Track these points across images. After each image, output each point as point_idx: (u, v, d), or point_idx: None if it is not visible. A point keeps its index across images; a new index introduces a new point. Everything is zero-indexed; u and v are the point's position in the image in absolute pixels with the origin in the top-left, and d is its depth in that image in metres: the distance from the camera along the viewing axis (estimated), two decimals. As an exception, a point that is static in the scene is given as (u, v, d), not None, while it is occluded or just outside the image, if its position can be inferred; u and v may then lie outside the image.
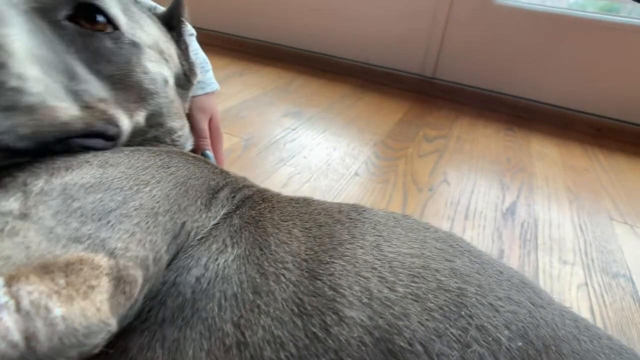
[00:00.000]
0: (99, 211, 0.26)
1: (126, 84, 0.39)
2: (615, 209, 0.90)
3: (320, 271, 0.29)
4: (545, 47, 1.33)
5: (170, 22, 0.53)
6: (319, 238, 0.32)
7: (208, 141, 0.62)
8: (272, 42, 1.79)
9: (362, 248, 0.31)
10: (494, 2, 1.36)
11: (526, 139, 1.24)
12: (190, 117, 0.61)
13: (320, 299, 0.26)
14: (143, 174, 0.32)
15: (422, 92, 1.55)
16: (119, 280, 0.24)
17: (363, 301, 0.26)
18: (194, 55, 0.63)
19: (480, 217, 0.81)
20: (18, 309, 0.19)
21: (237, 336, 0.25)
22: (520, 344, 0.25)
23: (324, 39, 1.68)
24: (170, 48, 0.49)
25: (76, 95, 0.33)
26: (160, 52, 0.46)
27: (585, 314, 0.60)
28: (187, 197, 0.33)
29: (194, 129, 0.60)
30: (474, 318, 0.26)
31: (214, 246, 0.31)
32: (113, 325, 0.23)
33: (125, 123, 0.39)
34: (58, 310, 0.20)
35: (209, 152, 0.61)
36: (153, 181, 0.32)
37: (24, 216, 0.24)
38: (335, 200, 0.69)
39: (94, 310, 0.22)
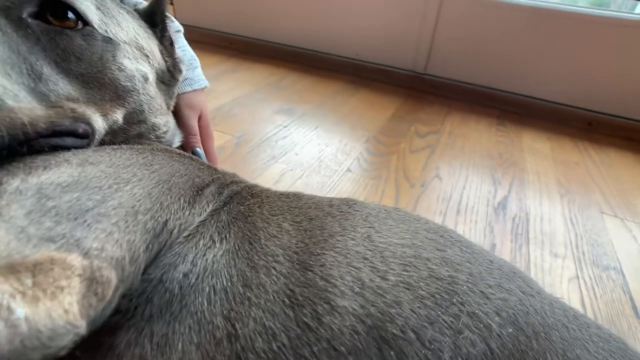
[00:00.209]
0: (75, 210, 0.26)
1: (100, 81, 0.38)
2: (605, 202, 0.91)
3: (312, 262, 0.28)
4: (537, 42, 1.34)
5: (154, 18, 0.52)
6: (310, 231, 0.32)
7: (198, 138, 0.62)
8: (263, 39, 1.79)
9: (353, 240, 0.31)
10: (485, -2, 1.37)
11: (518, 134, 1.24)
12: (179, 114, 0.60)
13: (311, 289, 0.26)
14: (124, 172, 0.31)
15: (413, 88, 1.55)
16: (92, 281, 0.23)
17: (355, 290, 0.26)
18: (181, 52, 0.62)
19: (472, 212, 0.82)
20: None
21: (227, 329, 0.24)
22: (510, 330, 0.25)
23: (315, 35, 1.67)
24: (152, 44, 0.48)
25: (41, 95, 0.33)
26: (140, 49, 0.45)
27: (576, 306, 0.61)
28: (170, 194, 0.33)
29: (183, 126, 0.60)
30: (466, 305, 0.26)
31: (201, 242, 0.30)
32: (82, 327, 0.22)
33: (99, 121, 0.38)
34: (21, 311, 0.19)
35: (199, 150, 0.61)
36: (134, 179, 0.31)
37: None
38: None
39: (61, 312, 0.21)
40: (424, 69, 1.54)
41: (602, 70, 1.29)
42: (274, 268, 0.28)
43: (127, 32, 0.43)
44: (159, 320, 0.25)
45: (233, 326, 0.24)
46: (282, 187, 0.83)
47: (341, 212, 0.35)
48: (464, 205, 0.84)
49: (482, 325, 0.25)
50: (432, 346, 0.24)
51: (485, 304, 0.27)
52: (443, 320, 0.25)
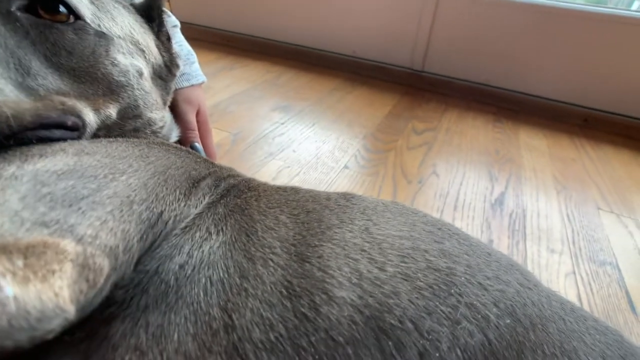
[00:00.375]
0: (70, 197, 0.26)
1: (92, 76, 0.38)
2: (602, 198, 0.92)
3: (309, 254, 0.28)
4: (534, 39, 1.34)
5: (150, 13, 0.51)
6: (307, 223, 0.32)
7: (196, 133, 0.62)
8: (261, 36, 1.78)
9: (351, 232, 0.31)
10: (482, -5, 1.37)
11: (514, 131, 1.25)
12: (176, 109, 0.60)
13: (309, 280, 0.26)
14: (120, 163, 0.31)
15: (411, 85, 1.55)
16: (84, 268, 0.23)
17: (353, 281, 0.26)
18: (178, 47, 0.62)
19: (469, 209, 0.82)
20: None
21: (224, 319, 0.24)
22: (508, 321, 0.25)
23: (312, 33, 1.67)
24: (148, 39, 0.48)
25: (29, 90, 0.32)
26: (135, 43, 0.45)
27: (573, 301, 0.61)
28: (166, 186, 0.32)
29: (181, 121, 0.59)
30: (463, 296, 0.26)
31: (198, 234, 0.30)
32: (71, 312, 0.22)
33: (90, 115, 0.38)
34: (10, 289, 0.19)
35: (198, 145, 0.60)
36: (130, 170, 0.31)
37: None
38: (324, 192, 0.69)
39: (51, 295, 0.21)
40: (422, 67, 1.54)
41: (598, 67, 1.30)
42: (271, 260, 0.28)
43: (122, 26, 0.43)
44: (155, 311, 0.25)
45: (230, 317, 0.24)
46: (280, 183, 0.82)
47: (339, 205, 0.35)
48: (461, 202, 0.84)
49: (480, 316, 0.25)
50: (430, 336, 0.24)
51: (483, 295, 0.27)
52: (441, 310, 0.25)
